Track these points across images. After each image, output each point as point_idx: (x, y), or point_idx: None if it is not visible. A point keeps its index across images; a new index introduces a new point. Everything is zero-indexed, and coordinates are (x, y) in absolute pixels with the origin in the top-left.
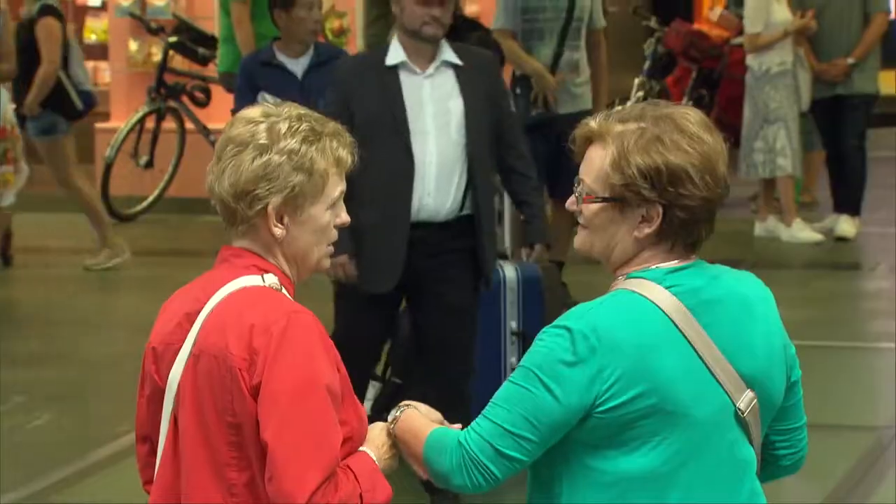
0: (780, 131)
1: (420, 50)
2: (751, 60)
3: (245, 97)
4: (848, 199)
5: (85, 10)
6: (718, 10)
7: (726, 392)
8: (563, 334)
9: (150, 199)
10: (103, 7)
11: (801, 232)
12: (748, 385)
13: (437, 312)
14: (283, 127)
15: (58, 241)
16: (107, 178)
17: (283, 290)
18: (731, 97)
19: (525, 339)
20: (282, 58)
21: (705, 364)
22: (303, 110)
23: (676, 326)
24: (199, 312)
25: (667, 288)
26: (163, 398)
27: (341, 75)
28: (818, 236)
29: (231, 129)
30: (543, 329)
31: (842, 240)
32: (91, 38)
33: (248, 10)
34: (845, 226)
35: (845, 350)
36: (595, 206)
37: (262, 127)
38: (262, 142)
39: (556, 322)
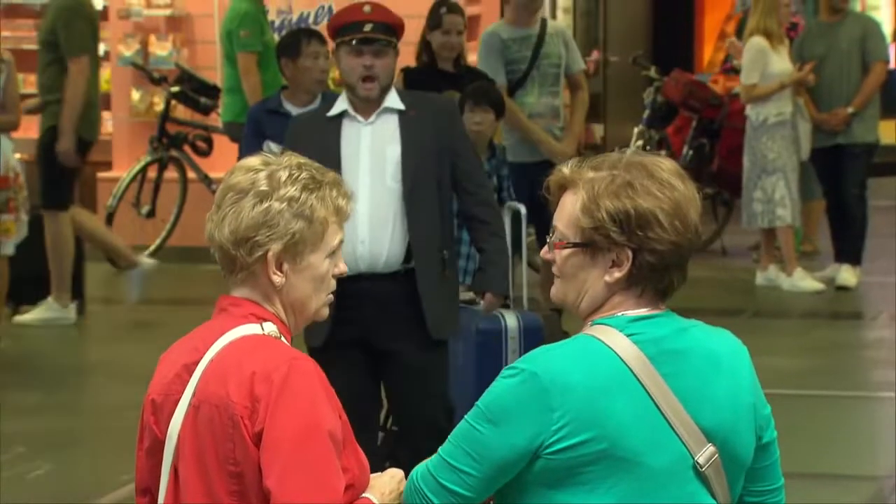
0: (778, 182)
1: (363, 101)
2: (749, 111)
3: (251, 145)
4: (849, 249)
5: None
6: (731, 39)
7: (684, 444)
8: (516, 374)
9: (152, 248)
10: (106, 57)
11: (803, 281)
12: (709, 439)
13: (398, 373)
14: (284, 175)
15: None
16: (109, 227)
17: (282, 339)
18: (731, 147)
19: None
20: (289, 106)
21: (662, 414)
22: (303, 159)
23: (633, 374)
24: (197, 363)
25: (628, 335)
26: (162, 450)
27: (290, 130)
28: (819, 285)
29: (231, 177)
30: (503, 369)
31: (843, 289)
32: None
33: (255, 59)
34: (846, 275)
35: (846, 399)
36: (566, 252)
37: (263, 174)
38: (262, 189)
39: (513, 363)
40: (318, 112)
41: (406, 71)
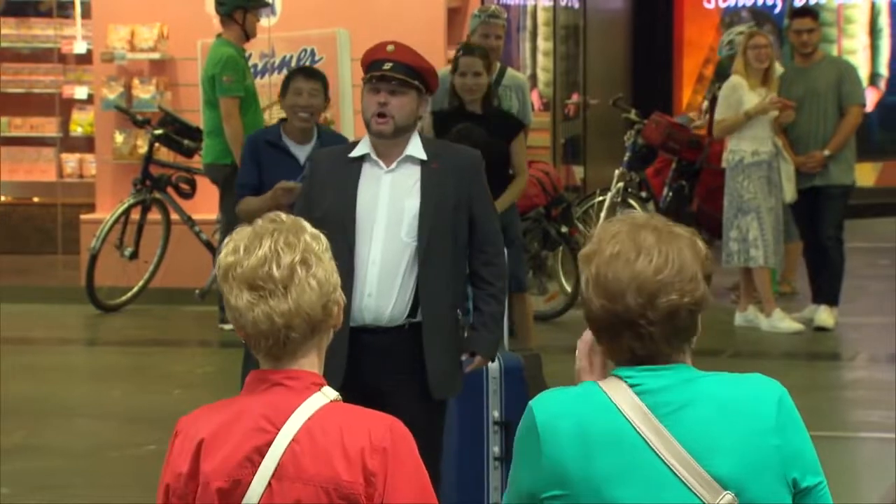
0: (752, 222)
1: (385, 144)
2: (725, 152)
3: (250, 170)
4: (827, 290)
5: (71, 103)
6: (698, 121)
7: (696, 494)
8: (525, 413)
9: (135, 289)
10: (89, 100)
11: (781, 322)
12: (725, 487)
13: None
14: (308, 233)
15: (42, 332)
16: (92, 268)
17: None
18: (710, 188)
19: (507, 429)
20: (287, 141)
21: (666, 465)
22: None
23: (631, 425)
24: (269, 443)
25: (630, 386)
26: None
27: (312, 166)
28: (798, 326)
29: (285, 255)
30: None
31: (821, 330)
32: (77, 130)
33: (238, 104)
34: (824, 316)
35: (825, 440)
36: None
37: (305, 238)
38: (316, 250)
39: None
40: (341, 150)
41: (435, 113)
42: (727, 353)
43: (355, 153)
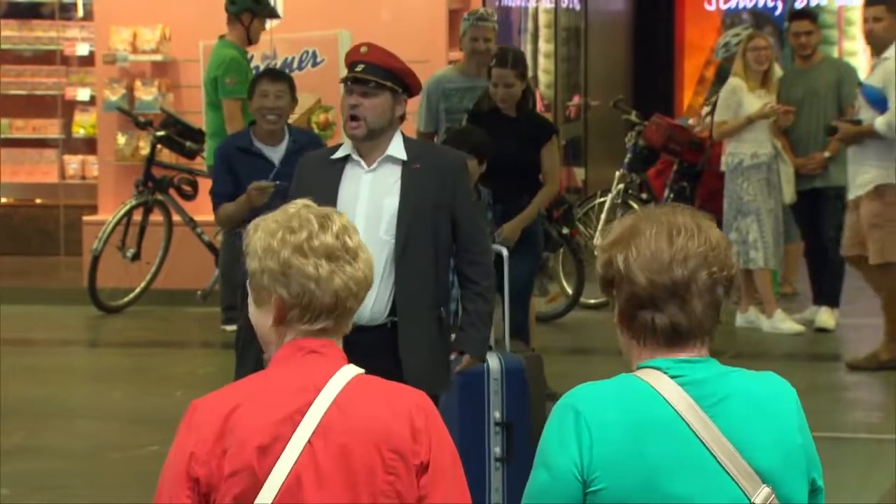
0: (752, 224)
1: (366, 145)
2: (724, 155)
3: (223, 180)
4: (827, 291)
5: (74, 105)
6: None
7: (739, 486)
8: (558, 409)
9: (137, 290)
10: (92, 101)
11: (782, 323)
12: (764, 481)
13: None
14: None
15: (44, 333)
16: (94, 270)
17: None
18: (711, 190)
19: (509, 430)
20: (259, 145)
21: (713, 456)
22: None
23: (680, 416)
24: (310, 404)
25: (672, 377)
26: (256, 493)
27: (298, 169)
28: (799, 327)
29: (352, 230)
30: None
31: (822, 331)
32: (79, 132)
33: (240, 106)
34: (825, 317)
35: (826, 441)
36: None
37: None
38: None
39: (562, 397)
40: (326, 153)
41: (470, 114)
42: (728, 354)
43: (338, 154)
